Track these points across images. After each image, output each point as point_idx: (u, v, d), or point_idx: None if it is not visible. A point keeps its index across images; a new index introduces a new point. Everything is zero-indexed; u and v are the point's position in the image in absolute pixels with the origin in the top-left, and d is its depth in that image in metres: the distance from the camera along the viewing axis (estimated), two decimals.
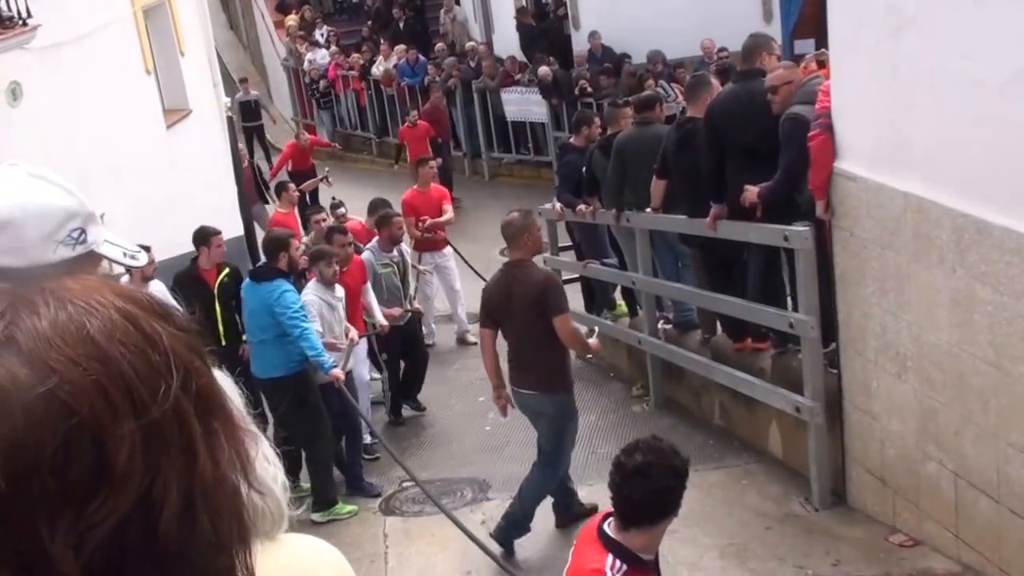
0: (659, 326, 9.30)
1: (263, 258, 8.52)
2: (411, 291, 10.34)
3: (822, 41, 9.50)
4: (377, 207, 10.77)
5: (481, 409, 9.90)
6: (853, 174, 6.43)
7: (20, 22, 8.99)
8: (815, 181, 6.67)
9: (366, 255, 9.78)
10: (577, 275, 11.13)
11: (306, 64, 22.80)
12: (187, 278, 9.28)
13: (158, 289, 7.38)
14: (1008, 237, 5.12)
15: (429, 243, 11.63)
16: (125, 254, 1.76)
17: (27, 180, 1.65)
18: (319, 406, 8.05)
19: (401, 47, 20.65)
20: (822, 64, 8.74)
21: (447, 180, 17.86)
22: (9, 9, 8.97)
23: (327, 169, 14.87)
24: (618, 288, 10.55)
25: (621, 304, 10.55)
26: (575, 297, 11.23)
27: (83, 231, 1.64)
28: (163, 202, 11.73)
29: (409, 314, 10.12)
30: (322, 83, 22.36)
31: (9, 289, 0.82)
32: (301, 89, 23.51)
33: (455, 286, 11.81)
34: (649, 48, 16.93)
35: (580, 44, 18.42)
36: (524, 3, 20.08)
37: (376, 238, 10.06)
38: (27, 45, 9.16)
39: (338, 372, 8.00)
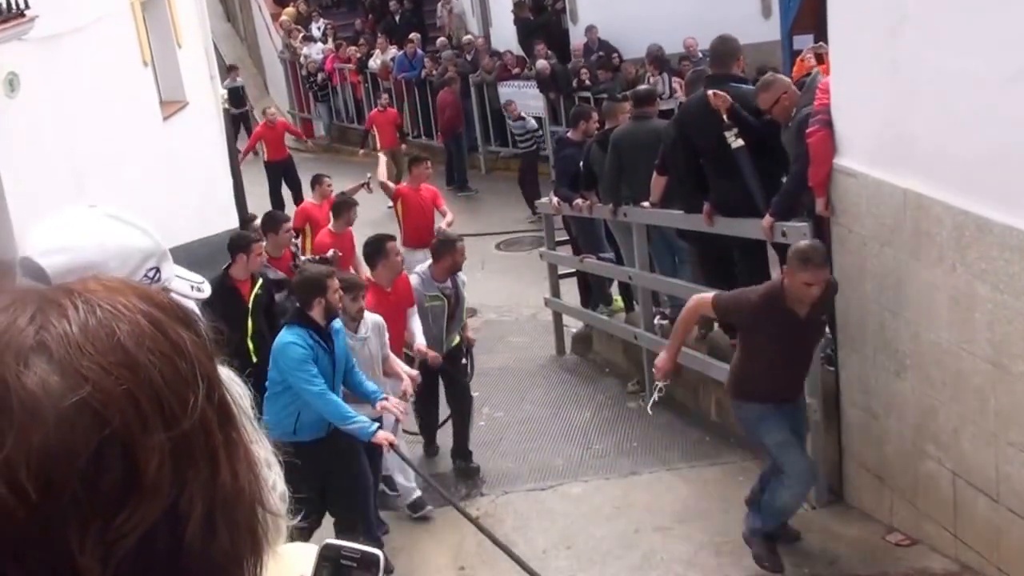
0: (656, 321, 9.29)
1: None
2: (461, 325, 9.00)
3: (821, 36, 9.50)
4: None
5: (476, 405, 9.90)
6: (853, 170, 6.42)
7: (18, 13, 8.95)
8: (815, 178, 6.65)
9: (414, 282, 8.32)
10: (573, 270, 11.13)
11: (302, 58, 22.77)
12: (218, 288, 7.54)
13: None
14: (1008, 235, 5.11)
15: (425, 241, 11.48)
16: (192, 287, 1.84)
17: (106, 222, 1.70)
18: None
19: (415, 35, 20.61)
20: (820, 59, 8.73)
21: (461, 170, 18.07)
22: (7, 0, 8.93)
23: (369, 175, 13.04)
24: (615, 283, 10.54)
25: (618, 299, 10.54)
26: (571, 292, 11.25)
27: (158, 270, 1.71)
28: (159, 194, 11.68)
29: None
30: (319, 76, 22.32)
31: (36, 290, 0.81)
32: (298, 81, 23.48)
33: None
34: (647, 43, 16.90)
35: (578, 38, 18.41)
36: None
37: (428, 263, 8.53)
38: (25, 36, 9.11)
39: (384, 435, 6.44)
